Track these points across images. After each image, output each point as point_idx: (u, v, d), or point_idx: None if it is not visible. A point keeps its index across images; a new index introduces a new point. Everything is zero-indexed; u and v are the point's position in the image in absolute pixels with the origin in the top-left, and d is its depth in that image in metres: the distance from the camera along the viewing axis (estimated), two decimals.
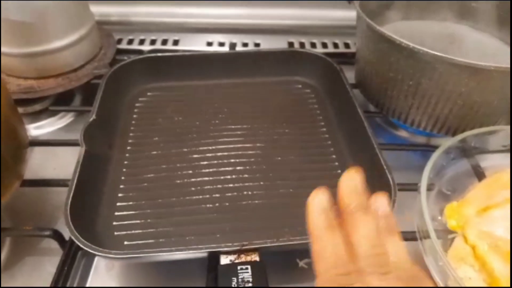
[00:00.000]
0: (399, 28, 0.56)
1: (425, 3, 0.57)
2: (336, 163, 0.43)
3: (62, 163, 0.45)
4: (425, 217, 0.33)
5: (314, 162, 0.43)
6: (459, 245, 0.34)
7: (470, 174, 0.42)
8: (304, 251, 0.37)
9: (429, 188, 0.40)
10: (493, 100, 0.42)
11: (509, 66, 0.38)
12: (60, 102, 0.53)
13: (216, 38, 0.68)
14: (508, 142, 0.46)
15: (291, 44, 0.68)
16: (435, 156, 0.38)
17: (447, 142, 0.41)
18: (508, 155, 0.44)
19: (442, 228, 0.36)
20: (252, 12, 0.69)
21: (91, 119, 0.41)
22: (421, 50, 0.39)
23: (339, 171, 0.42)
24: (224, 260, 0.30)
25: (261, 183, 0.41)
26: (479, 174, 0.42)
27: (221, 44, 0.67)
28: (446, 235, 0.35)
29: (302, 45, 0.67)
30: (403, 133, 0.54)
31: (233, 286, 0.28)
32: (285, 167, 0.42)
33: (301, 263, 0.38)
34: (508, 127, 0.45)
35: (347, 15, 0.64)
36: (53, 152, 0.46)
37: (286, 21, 0.68)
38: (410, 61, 0.41)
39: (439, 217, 0.37)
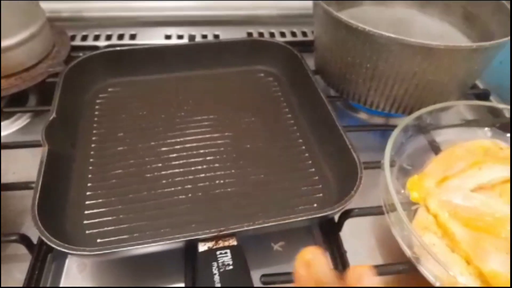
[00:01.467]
0: (353, 15, 0.58)
1: None
2: (303, 147, 0.44)
3: (22, 167, 0.43)
4: (390, 191, 0.34)
5: (282, 148, 0.44)
6: (422, 215, 0.36)
7: (427, 149, 0.45)
8: (278, 234, 0.39)
9: (391, 165, 0.42)
10: (444, 78, 0.44)
11: (457, 44, 0.41)
12: (14, 103, 0.50)
13: (175, 31, 0.67)
14: (462, 117, 0.50)
15: (250, 34, 0.68)
16: (394, 134, 0.40)
17: (404, 121, 0.43)
18: (461, 129, 0.47)
19: (406, 200, 0.38)
20: (209, 4, 0.69)
21: (51, 117, 0.40)
22: (376, 33, 0.41)
23: (307, 154, 0.43)
24: (202, 247, 0.30)
25: (232, 171, 0.41)
26: (435, 149, 0.45)
27: (180, 37, 0.66)
28: (410, 206, 0.38)
29: (261, 35, 0.68)
30: (362, 115, 0.56)
31: (213, 271, 0.28)
32: (254, 155, 0.43)
33: (276, 246, 0.39)
34: (460, 102, 0.49)
35: (304, 4, 0.66)
36: (12, 155, 0.44)
37: (244, 12, 0.69)
38: (366, 45, 0.43)
39: (402, 191, 0.39)
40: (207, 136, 0.44)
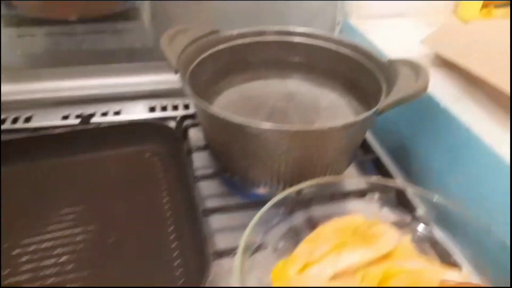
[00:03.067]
0: (243, 89, 0.59)
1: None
2: (173, 236, 0.42)
3: None
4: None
5: (150, 240, 0.41)
6: None
7: (305, 227, 0.43)
8: None
9: (263, 247, 0.39)
10: (314, 154, 0.43)
11: (328, 126, 0.40)
12: None
13: (72, 110, 0.66)
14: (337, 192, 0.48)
15: (152, 109, 0.67)
16: (257, 216, 0.38)
17: (275, 198, 0.41)
18: (339, 204, 0.46)
19: None
20: (107, 82, 0.68)
21: None
22: (228, 117, 0.40)
23: (175, 244, 0.41)
24: None
25: (87, 272, 0.38)
26: (313, 227, 0.43)
27: (78, 116, 0.65)
28: None
29: (164, 108, 0.67)
30: (262, 189, 0.54)
31: None
32: (117, 250, 0.40)
33: None
34: (337, 177, 0.48)
35: None
36: None
37: (145, 87, 0.68)
38: (227, 127, 0.42)
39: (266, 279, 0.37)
40: (67, 232, 0.41)
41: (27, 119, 0.64)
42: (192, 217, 0.41)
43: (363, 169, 0.56)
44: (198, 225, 0.38)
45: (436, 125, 0.50)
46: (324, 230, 0.39)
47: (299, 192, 0.45)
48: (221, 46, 0.57)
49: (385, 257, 0.36)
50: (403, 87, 0.42)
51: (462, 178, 0.47)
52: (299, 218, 0.43)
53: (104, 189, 0.47)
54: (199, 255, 0.37)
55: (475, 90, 0.51)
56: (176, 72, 0.48)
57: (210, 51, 0.56)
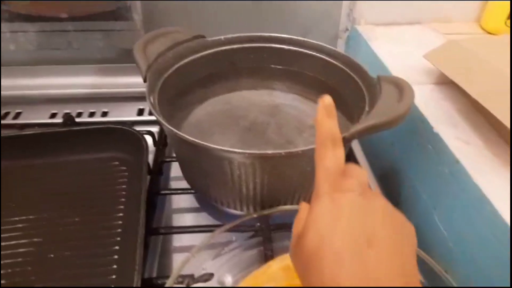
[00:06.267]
0: (227, 99, 0.55)
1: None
2: (115, 258, 0.39)
3: None
4: None
5: (92, 257, 0.39)
6: None
7: (258, 259, 0.39)
8: None
9: (207, 278, 0.36)
10: (276, 180, 0.39)
11: (296, 150, 0.36)
12: None
13: (60, 108, 0.65)
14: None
15: (141, 111, 0.66)
16: (201, 244, 0.35)
17: (226, 225, 0.38)
18: None
19: None
20: (97, 82, 0.67)
21: None
22: (188, 139, 0.36)
23: (115, 266, 0.38)
24: None
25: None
26: (268, 259, 0.39)
27: (67, 114, 0.64)
28: None
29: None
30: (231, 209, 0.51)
31: None
32: (55, 266, 0.38)
33: None
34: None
35: None
36: None
37: (135, 89, 0.66)
38: (189, 146, 0.39)
39: None
40: (12, 243, 0.40)
41: (17, 115, 0.64)
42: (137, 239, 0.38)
43: None
44: (139, 247, 0.36)
45: (427, 150, 0.44)
46: (273, 267, 0.35)
47: (257, 219, 0.41)
48: (206, 52, 0.54)
49: None
50: (379, 112, 0.37)
51: (445, 215, 0.41)
52: (254, 248, 0.40)
53: (61, 198, 0.45)
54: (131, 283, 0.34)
55: (476, 114, 0.45)
56: (144, 80, 0.45)
57: (192, 57, 0.53)
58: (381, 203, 0.23)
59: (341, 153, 0.25)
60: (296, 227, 0.24)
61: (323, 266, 0.20)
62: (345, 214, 0.22)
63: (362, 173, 0.25)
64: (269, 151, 0.35)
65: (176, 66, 0.51)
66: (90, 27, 0.63)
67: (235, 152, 0.35)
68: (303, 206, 0.25)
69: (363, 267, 0.19)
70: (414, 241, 0.23)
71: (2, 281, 0.36)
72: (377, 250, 0.20)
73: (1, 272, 0.37)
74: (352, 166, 0.25)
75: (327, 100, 0.25)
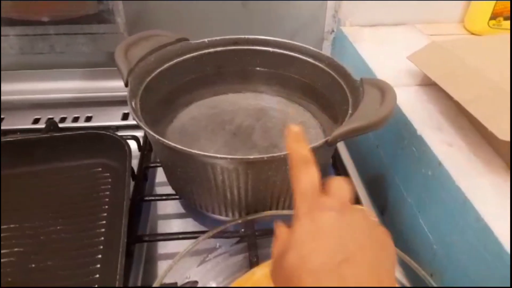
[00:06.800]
0: (213, 103, 0.55)
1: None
2: (98, 265, 0.38)
3: None
4: None
5: (74, 266, 0.38)
6: None
7: (243, 266, 0.39)
8: None
9: (191, 286, 0.36)
10: (259, 184, 0.39)
11: (278, 154, 0.35)
12: None
13: (45, 114, 0.64)
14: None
15: (125, 116, 0.65)
16: (183, 252, 0.35)
17: (212, 230, 0.38)
18: None
19: None
20: (81, 86, 0.66)
21: None
22: (170, 144, 0.36)
23: (97, 275, 0.38)
24: None
25: None
26: (253, 264, 0.39)
27: (49, 120, 0.63)
28: None
29: None
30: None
31: None
32: (37, 276, 0.37)
33: None
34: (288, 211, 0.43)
35: None
36: None
37: (119, 93, 0.65)
38: (173, 152, 0.38)
39: None
40: None
41: None
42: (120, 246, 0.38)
43: None
44: (121, 257, 0.35)
45: (411, 153, 0.45)
46: (258, 273, 0.35)
47: (242, 225, 0.41)
48: (190, 55, 0.54)
49: None
50: (362, 116, 0.37)
51: (429, 218, 0.42)
52: (239, 253, 0.40)
53: (43, 206, 0.44)
54: None
55: (459, 116, 0.45)
56: (126, 85, 0.45)
57: (176, 60, 0.52)
58: (360, 220, 0.23)
59: (314, 172, 0.25)
60: (276, 248, 0.24)
61: (302, 285, 0.20)
62: (323, 233, 0.22)
63: (344, 187, 0.25)
64: (251, 156, 0.35)
65: (159, 69, 0.50)
66: (73, 30, 0.62)
67: (217, 158, 0.35)
68: (281, 229, 0.26)
69: (340, 284, 0.19)
70: (394, 255, 0.23)
71: None
72: (355, 267, 0.20)
73: None
74: (334, 181, 0.25)
75: (294, 128, 0.27)
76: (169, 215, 0.50)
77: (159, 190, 0.53)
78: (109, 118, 0.64)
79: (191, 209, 0.49)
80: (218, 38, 0.54)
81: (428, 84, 0.51)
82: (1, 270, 0.38)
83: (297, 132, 0.26)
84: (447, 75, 0.45)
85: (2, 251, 0.39)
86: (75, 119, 0.64)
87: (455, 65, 0.45)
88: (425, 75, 0.50)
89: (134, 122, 0.63)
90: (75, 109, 0.65)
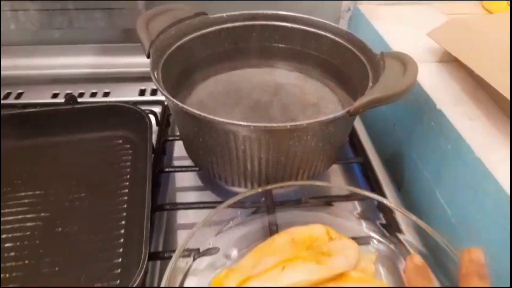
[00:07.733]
0: (230, 78, 0.55)
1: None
2: (122, 231, 0.40)
3: None
4: None
5: (98, 235, 0.39)
6: None
7: (263, 234, 0.40)
8: None
9: (214, 252, 0.37)
10: (280, 154, 0.40)
11: (301, 123, 0.35)
12: None
13: (63, 89, 0.65)
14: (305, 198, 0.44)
15: (142, 92, 0.65)
16: (205, 219, 0.36)
17: (230, 200, 0.38)
18: (303, 211, 0.42)
19: None
20: (99, 62, 0.66)
21: None
22: (195, 112, 0.36)
23: (122, 240, 0.39)
24: None
25: (26, 261, 0.36)
26: (272, 233, 0.39)
27: (68, 94, 0.64)
28: None
29: (154, 91, 0.65)
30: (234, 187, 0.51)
31: None
32: (61, 242, 0.38)
33: None
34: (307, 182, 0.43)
35: None
36: None
37: (137, 69, 0.66)
38: (195, 121, 0.39)
39: None
40: (20, 217, 0.40)
41: (19, 95, 0.63)
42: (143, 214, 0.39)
43: (349, 172, 0.52)
44: (146, 221, 0.36)
45: (430, 128, 0.45)
46: (278, 240, 0.36)
47: (261, 195, 0.41)
48: (208, 30, 0.54)
49: (335, 278, 0.32)
50: (383, 86, 0.37)
51: (447, 192, 0.42)
52: (258, 223, 0.40)
53: (66, 175, 0.45)
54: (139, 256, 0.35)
55: (479, 90, 0.45)
56: (148, 56, 0.45)
57: (194, 34, 0.52)
58: None
59: None
60: None
61: None
62: None
63: None
64: (274, 124, 0.35)
65: (179, 43, 0.50)
66: (91, 5, 0.62)
67: (240, 125, 0.35)
68: None
69: None
70: None
71: (11, 254, 0.37)
72: None
73: (11, 245, 0.38)
74: None
75: (416, 259, 0.27)
76: (187, 187, 0.50)
77: (177, 163, 0.53)
78: (127, 94, 0.64)
79: (209, 182, 0.50)
80: (236, 13, 0.54)
81: (448, 61, 0.50)
82: (29, 233, 0.39)
83: (421, 266, 0.26)
84: (469, 50, 0.44)
85: (29, 216, 0.40)
86: (93, 94, 0.64)
87: (477, 40, 0.44)
88: (445, 52, 0.50)
89: (151, 98, 0.64)
90: (93, 84, 0.66)
